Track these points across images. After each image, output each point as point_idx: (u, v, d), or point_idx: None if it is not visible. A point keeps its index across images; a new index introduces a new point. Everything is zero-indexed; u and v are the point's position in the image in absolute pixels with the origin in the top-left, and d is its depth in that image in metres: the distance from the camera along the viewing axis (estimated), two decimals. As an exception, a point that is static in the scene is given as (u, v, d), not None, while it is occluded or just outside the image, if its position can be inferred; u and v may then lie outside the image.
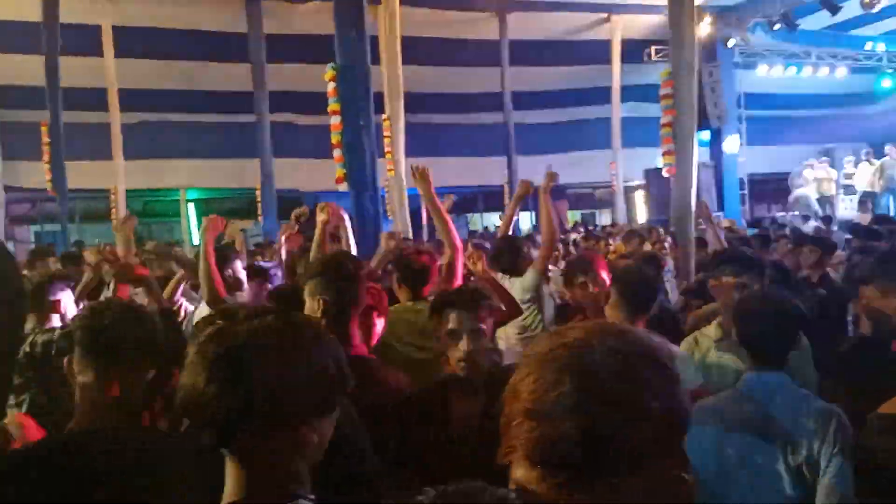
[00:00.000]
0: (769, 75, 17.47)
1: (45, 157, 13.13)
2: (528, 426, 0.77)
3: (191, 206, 19.01)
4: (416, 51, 13.91)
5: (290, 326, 1.16)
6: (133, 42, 13.81)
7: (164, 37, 14.01)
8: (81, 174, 13.97)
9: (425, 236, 17.27)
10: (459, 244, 3.38)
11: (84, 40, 13.24)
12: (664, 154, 8.10)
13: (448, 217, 3.44)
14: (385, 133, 12.50)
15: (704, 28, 14.92)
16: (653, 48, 15.83)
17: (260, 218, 14.82)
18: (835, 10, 13.11)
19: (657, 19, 14.38)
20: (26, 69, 12.26)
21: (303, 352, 1.14)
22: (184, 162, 16.79)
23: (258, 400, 1.07)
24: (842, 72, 17.99)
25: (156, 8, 13.47)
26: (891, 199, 14.12)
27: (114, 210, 14.11)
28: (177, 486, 1.46)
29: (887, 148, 14.76)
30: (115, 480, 1.42)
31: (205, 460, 1.20)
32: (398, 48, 12.28)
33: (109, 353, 1.60)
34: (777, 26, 14.56)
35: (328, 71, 7.38)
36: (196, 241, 18.39)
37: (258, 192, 14.78)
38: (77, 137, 13.86)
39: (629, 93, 16.20)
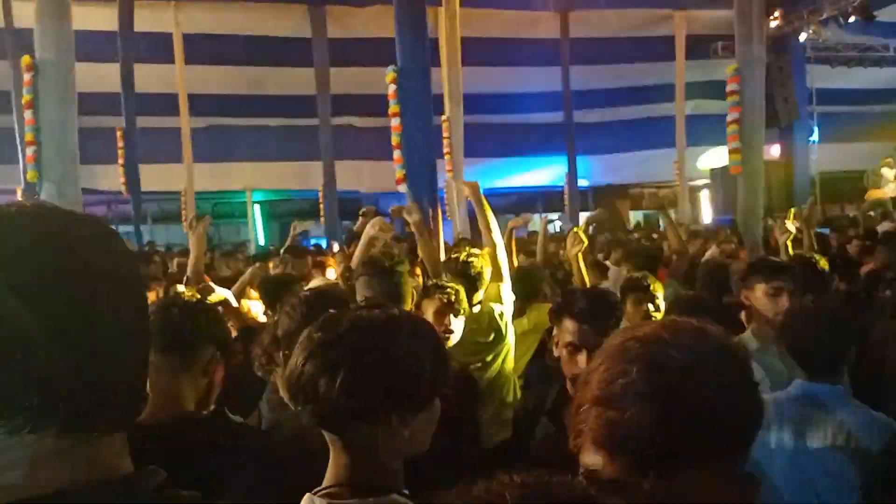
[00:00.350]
0: (844, 70, 16.76)
1: (120, 161, 13.73)
2: (596, 412, 0.80)
3: (257, 207, 19.52)
4: (476, 51, 13.92)
5: (391, 319, 1.23)
6: (201, 49, 14.29)
7: (230, 43, 14.45)
8: (154, 177, 14.53)
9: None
10: (500, 240, 3.41)
11: (156, 48, 13.80)
12: (731, 152, 7.85)
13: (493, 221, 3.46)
14: (444, 134, 12.55)
15: (773, 22, 14.44)
16: (719, 43, 15.42)
17: (322, 219, 15.10)
18: (916, -1, 12.49)
19: (723, 13, 13.99)
20: (103, 77, 12.82)
21: (397, 345, 1.19)
22: (250, 165, 17.27)
23: (350, 386, 1.13)
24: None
25: (223, 15, 13.92)
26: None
27: (184, 212, 14.61)
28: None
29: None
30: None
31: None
32: (458, 49, 12.32)
33: (176, 346, 1.68)
34: (852, 19, 13.93)
35: (389, 73, 7.46)
36: (262, 242, 18.95)
37: (321, 194, 15.06)
38: (150, 141, 14.44)
39: (694, 90, 15.79)
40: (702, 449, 0.78)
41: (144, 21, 13.25)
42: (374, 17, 12.95)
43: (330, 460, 1.20)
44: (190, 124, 14.65)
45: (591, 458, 0.81)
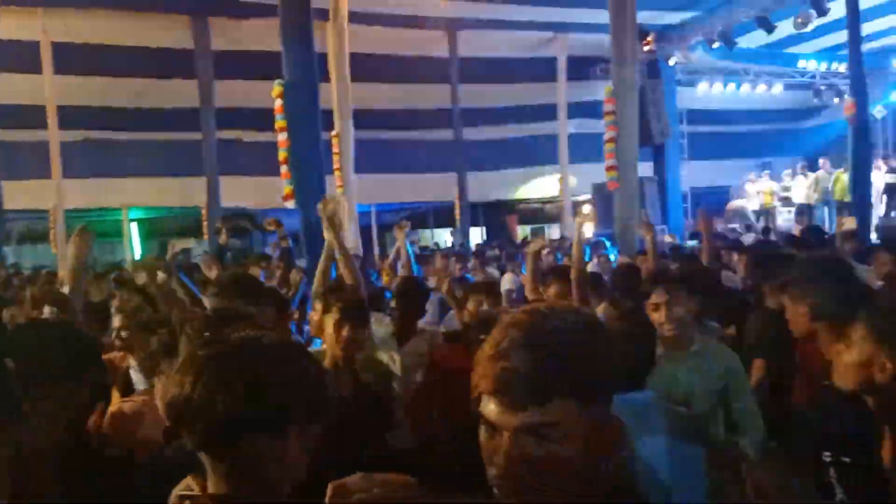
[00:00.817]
0: (710, 92, 18.12)
1: (-20, 177, 12.67)
2: (490, 365, 0.99)
3: (134, 225, 18.54)
4: (366, 67, 13.92)
5: (279, 336, 1.25)
6: (74, 59, 13.46)
7: (106, 53, 13.68)
8: (20, 194, 13.52)
9: (375, 252, 17.27)
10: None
11: (22, 56, 12.88)
12: (608, 169, 8.29)
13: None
14: (334, 149, 12.45)
15: (646, 46, 15.38)
16: (598, 66, 16.24)
17: (205, 237, 14.54)
18: (770, 29, 13.66)
19: (601, 38, 14.77)
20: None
21: (293, 358, 1.20)
22: (127, 180, 16.36)
23: (252, 396, 1.11)
24: (778, 88, 18.75)
25: (98, 24, 13.16)
26: (826, 210, 14.69)
27: (52, 231, 13.65)
28: None
29: (821, 161, 15.39)
30: None
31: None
32: (347, 65, 12.27)
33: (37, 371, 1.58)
34: (716, 45, 15.07)
35: (275, 87, 7.34)
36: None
37: (204, 211, 14.51)
38: (15, 156, 13.43)
39: (576, 109, 16.52)
40: (573, 391, 0.97)
41: (7, 28, 12.36)
42: (260, 29, 12.68)
43: (210, 477, 1.16)
44: (62, 138, 13.72)
45: (486, 406, 1.00)
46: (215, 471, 1.15)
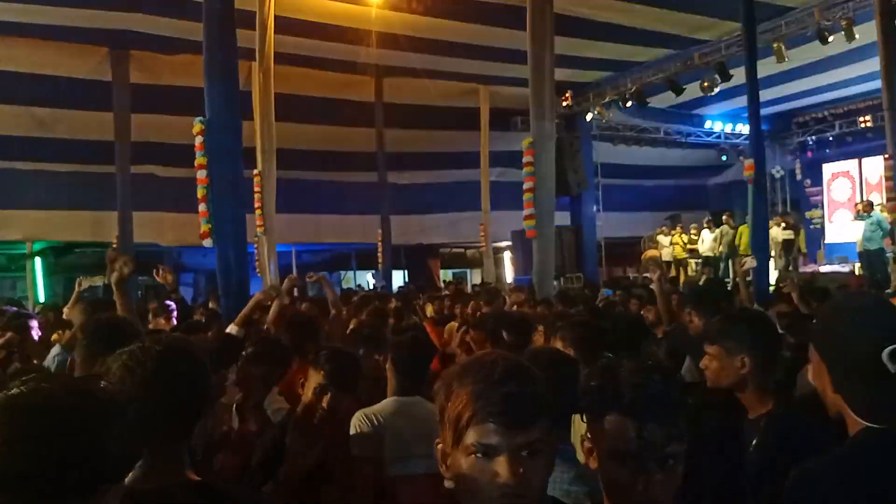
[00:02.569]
0: (623, 148, 19.04)
1: None
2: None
3: (38, 259, 17.59)
4: (291, 107, 13.90)
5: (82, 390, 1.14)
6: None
7: (14, 81, 13.12)
8: None
9: (295, 294, 16.96)
10: None
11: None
12: (526, 217, 8.52)
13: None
14: (256, 189, 12.30)
15: (564, 102, 16.06)
16: (518, 118, 16.79)
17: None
18: (679, 91, 14.59)
19: (522, 91, 15.32)
20: None
21: (111, 419, 1.12)
22: (32, 213, 15.57)
23: (67, 457, 1.04)
24: (686, 147, 19.92)
25: (6, 52, 12.63)
26: (730, 263, 15.50)
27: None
28: None
29: (724, 216, 16.32)
30: None
31: None
32: (272, 104, 12.24)
33: None
34: (629, 103, 15.92)
35: (196, 124, 7.21)
36: (42, 298, 17.02)
37: (115, 247, 13.92)
38: None
39: (498, 158, 16.95)
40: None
41: None
42: (182, 65, 12.51)
43: None
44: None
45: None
46: None
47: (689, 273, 16.65)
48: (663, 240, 17.70)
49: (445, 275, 22.74)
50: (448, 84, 15.99)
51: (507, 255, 18.91)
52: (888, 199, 10.67)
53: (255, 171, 12.29)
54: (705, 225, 16.79)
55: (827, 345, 1.60)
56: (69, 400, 1.11)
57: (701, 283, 12.41)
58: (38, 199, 15.37)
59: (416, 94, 16.24)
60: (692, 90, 14.61)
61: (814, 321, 1.76)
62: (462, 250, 23.26)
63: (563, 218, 15.35)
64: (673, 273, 16.49)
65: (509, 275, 17.82)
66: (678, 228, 17.76)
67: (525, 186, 8.54)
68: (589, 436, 1.36)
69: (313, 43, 13.17)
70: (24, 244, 16.60)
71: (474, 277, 22.48)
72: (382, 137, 16.01)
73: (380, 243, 16.60)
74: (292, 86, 13.79)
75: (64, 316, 5.80)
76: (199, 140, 7.16)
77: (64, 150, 14.93)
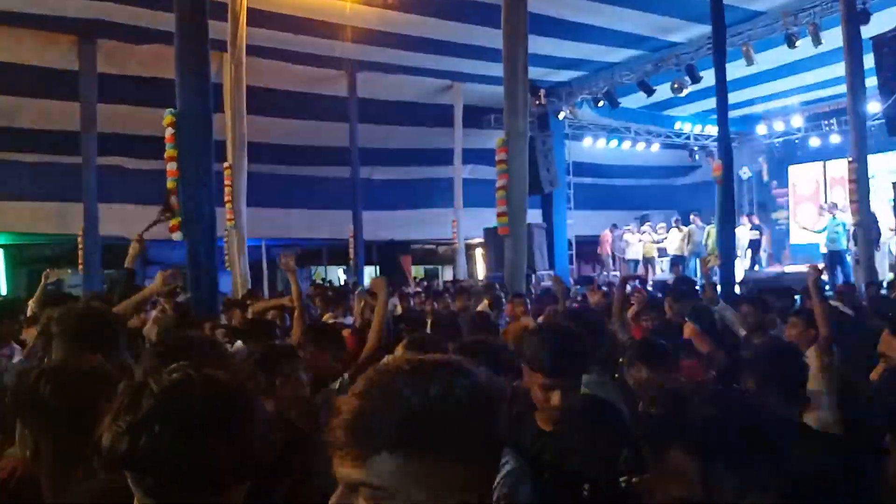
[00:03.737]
0: (594, 147, 19.22)
1: None
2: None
3: (0, 252, 17.19)
4: (264, 101, 13.76)
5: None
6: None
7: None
8: None
9: (265, 289, 16.83)
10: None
11: None
12: (499, 215, 8.56)
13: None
14: (226, 182, 12.17)
15: (537, 101, 16.16)
16: (492, 116, 16.84)
17: (80, 267, 13.68)
18: (650, 91, 14.79)
19: (496, 89, 15.36)
20: None
21: (255, 410, 1.14)
22: (-5, 203, 15.20)
23: (212, 449, 1.05)
24: (656, 147, 20.17)
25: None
26: (697, 261, 15.76)
27: None
28: None
29: (692, 216, 16.58)
30: None
31: None
32: (244, 97, 12.12)
33: None
34: (601, 103, 16.07)
35: (167, 116, 7.12)
36: (3, 291, 16.61)
37: (80, 239, 13.67)
38: None
39: (471, 155, 16.99)
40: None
41: None
42: (152, 56, 12.31)
43: None
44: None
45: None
46: None
47: (657, 272, 16.90)
48: (631, 238, 17.94)
49: (417, 271, 22.75)
50: (422, 80, 15.98)
51: (478, 252, 18.95)
52: (851, 202, 10.93)
53: (226, 165, 12.17)
54: (673, 224, 17.04)
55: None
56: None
57: (671, 282, 12.58)
58: (2, 190, 15.01)
59: (390, 89, 16.20)
60: (663, 91, 14.81)
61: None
62: (434, 247, 23.26)
63: (534, 216, 15.44)
64: (642, 271, 16.74)
65: (481, 271, 17.85)
66: (646, 227, 18.01)
67: (498, 184, 8.57)
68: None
69: (286, 36, 13.04)
70: (-14, 236, 16.22)
71: (446, 274, 22.50)
72: (355, 133, 15.93)
73: (351, 239, 16.52)
74: (264, 79, 13.66)
75: (29, 311, 5.68)
76: (169, 132, 7.07)
77: (29, 140, 14.59)
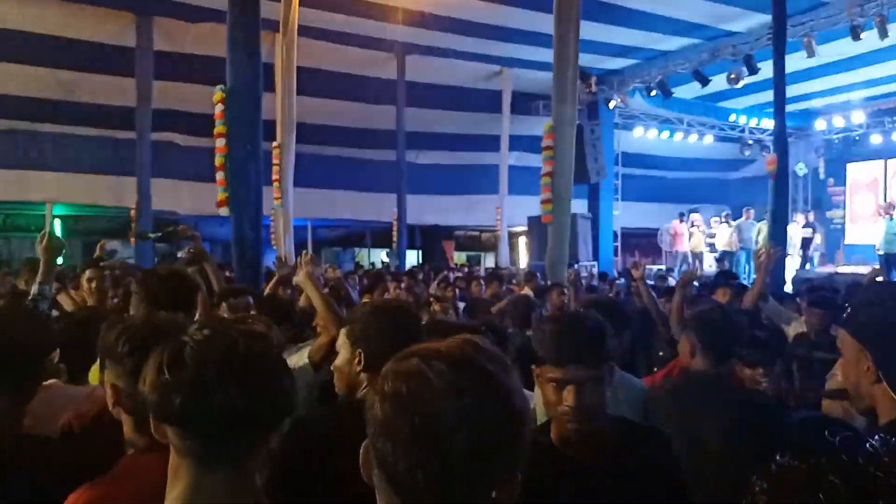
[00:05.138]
0: (645, 137, 18.83)
1: None
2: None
3: (57, 221, 17.78)
4: (313, 82, 13.88)
5: (265, 333, 1.19)
6: (4, 46, 12.95)
7: (38, 43, 13.18)
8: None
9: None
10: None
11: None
12: (543, 202, 8.47)
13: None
14: (274, 161, 12.34)
15: (587, 89, 15.90)
16: (541, 102, 16.66)
17: (132, 240, 14.07)
18: (705, 82, 14.38)
19: (545, 75, 15.17)
20: None
21: (279, 357, 1.18)
22: (53, 175, 15.71)
23: (261, 394, 1.09)
24: (709, 139, 19.66)
25: (31, 12, 12.68)
26: (743, 257, 15.38)
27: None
28: None
29: (745, 211, 16.15)
30: None
31: None
32: (294, 77, 12.23)
33: None
34: (654, 93, 15.73)
35: (217, 93, 7.22)
36: (60, 260, 17.17)
37: (133, 212, 14.05)
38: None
39: (517, 142, 16.86)
40: None
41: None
42: (206, 33, 12.51)
43: (184, 488, 1.11)
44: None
45: None
46: (196, 473, 1.11)
47: (706, 267, 16.51)
48: (684, 231, 17.42)
49: (459, 257, 22.74)
50: (471, 65, 15.88)
51: (522, 241, 18.85)
52: (912, 202, 10.50)
53: (275, 144, 12.32)
54: (724, 219, 16.63)
55: (876, 333, 1.53)
56: (266, 341, 1.16)
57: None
58: (59, 162, 15.52)
59: (439, 73, 16.15)
60: (718, 82, 14.41)
61: (850, 311, 1.66)
62: (477, 233, 23.21)
63: (580, 206, 15.26)
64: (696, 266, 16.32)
65: (524, 260, 17.77)
66: (698, 220, 17.54)
67: (543, 171, 8.48)
68: None
69: (338, 17, 13.10)
70: (44, 205, 16.77)
71: (488, 261, 22.45)
72: (402, 116, 15.95)
73: (395, 222, 16.60)
74: (315, 60, 13.76)
75: (83, 280, 5.84)
76: (219, 108, 7.19)
77: (86, 114, 15.03)
